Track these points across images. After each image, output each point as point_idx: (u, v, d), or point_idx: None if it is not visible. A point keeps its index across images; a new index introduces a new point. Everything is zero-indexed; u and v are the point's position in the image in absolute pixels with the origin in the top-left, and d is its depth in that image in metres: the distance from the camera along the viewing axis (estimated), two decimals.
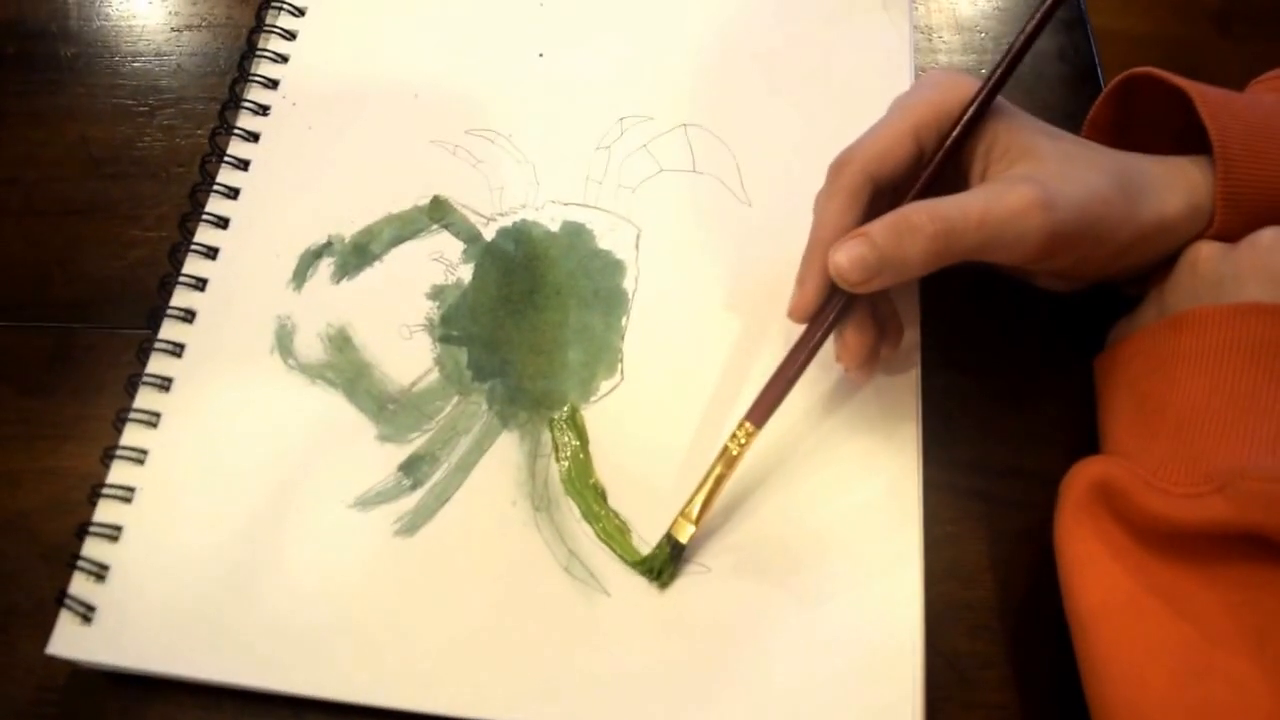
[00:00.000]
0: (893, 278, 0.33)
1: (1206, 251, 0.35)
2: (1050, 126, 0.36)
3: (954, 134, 0.34)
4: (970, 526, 0.38)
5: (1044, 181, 0.33)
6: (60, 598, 0.36)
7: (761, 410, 0.35)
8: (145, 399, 0.39)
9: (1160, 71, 0.37)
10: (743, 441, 0.35)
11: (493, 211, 0.43)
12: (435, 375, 0.39)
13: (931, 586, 0.36)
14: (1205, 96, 0.36)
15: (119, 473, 0.38)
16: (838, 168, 0.35)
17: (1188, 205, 0.35)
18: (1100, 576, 0.32)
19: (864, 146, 0.35)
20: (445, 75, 0.46)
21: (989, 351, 0.41)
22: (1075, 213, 0.32)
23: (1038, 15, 0.34)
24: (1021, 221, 0.32)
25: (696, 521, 0.35)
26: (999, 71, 0.34)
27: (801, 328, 0.36)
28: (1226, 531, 0.30)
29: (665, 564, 0.35)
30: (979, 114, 0.34)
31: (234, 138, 0.45)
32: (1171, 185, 0.35)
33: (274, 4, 0.49)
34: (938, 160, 0.34)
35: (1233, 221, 0.35)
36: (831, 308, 0.35)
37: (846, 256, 0.33)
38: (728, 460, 0.35)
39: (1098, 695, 0.31)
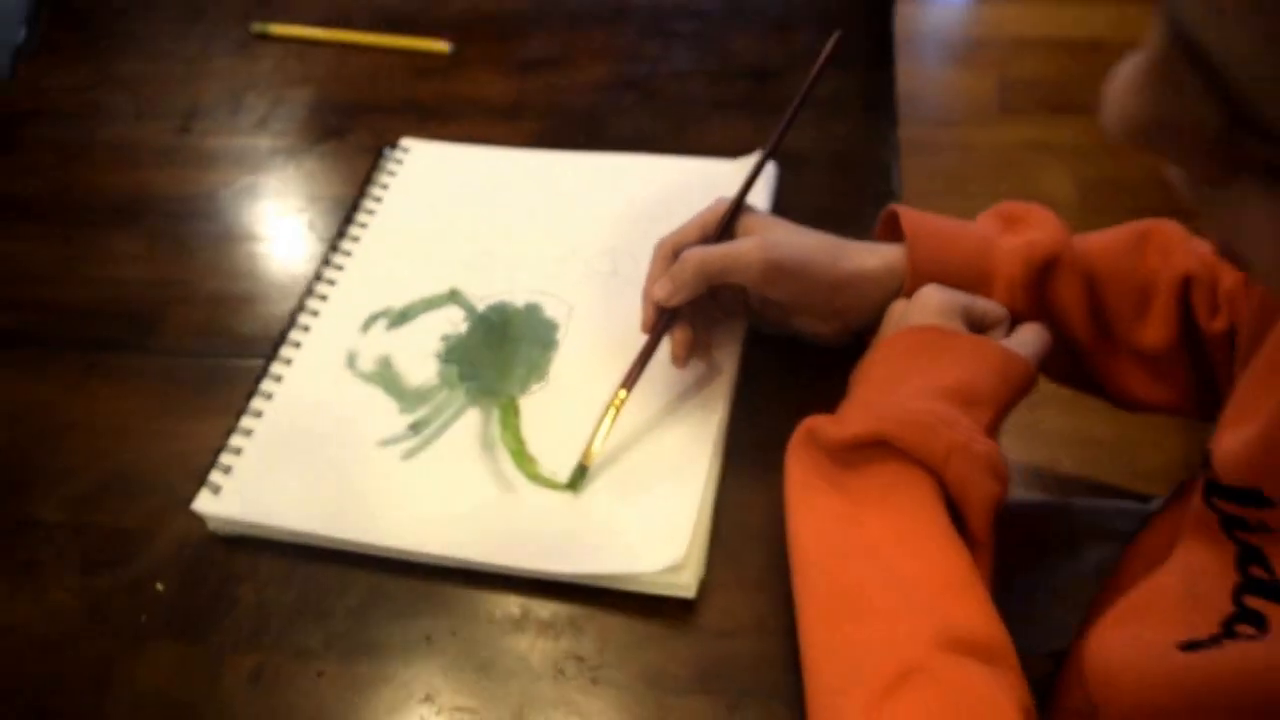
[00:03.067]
0: (685, 293, 0.61)
1: (897, 305, 0.63)
2: (785, 220, 0.65)
3: (723, 219, 0.64)
4: (758, 486, 0.63)
5: (767, 237, 0.62)
6: (202, 480, 0.64)
7: (629, 379, 0.63)
8: (266, 386, 0.69)
9: (897, 206, 0.66)
10: (622, 398, 0.63)
11: (485, 294, 0.73)
12: (436, 380, 0.68)
13: (728, 515, 0.61)
14: (909, 214, 0.64)
15: (245, 423, 0.67)
16: (657, 247, 0.65)
17: (884, 265, 0.63)
18: (798, 475, 0.58)
19: (672, 234, 0.65)
20: (474, 220, 0.78)
21: (787, 378, 0.67)
22: (786, 254, 0.61)
23: (766, 149, 0.65)
24: (748, 255, 0.61)
25: (586, 464, 0.62)
26: (744, 185, 0.64)
27: (645, 336, 0.64)
28: (867, 440, 0.55)
29: (577, 480, 0.62)
30: (735, 210, 0.64)
31: (337, 254, 0.77)
32: (872, 253, 0.64)
33: (370, 183, 0.82)
34: (713, 235, 0.64)
35: (916, 284, 0.63)
36: (661, 320, 0.63)
37: (659, 288, 0.62)
38: (612, 414, 0.62)
39: (791, 554, 0.56)
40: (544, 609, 0.59)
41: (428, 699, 0.57)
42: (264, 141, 0.90)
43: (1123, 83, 0.32)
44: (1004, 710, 0.47)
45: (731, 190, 0.66)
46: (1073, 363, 0.67)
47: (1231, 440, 0.47)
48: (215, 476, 0.65)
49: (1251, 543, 0.46)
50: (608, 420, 0.63)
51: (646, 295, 0.64)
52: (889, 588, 0.51)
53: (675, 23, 0.95)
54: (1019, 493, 0.83)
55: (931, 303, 0.61)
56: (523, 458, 0.64)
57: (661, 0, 0.98)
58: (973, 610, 0.50)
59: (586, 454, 0.62)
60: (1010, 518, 0.56)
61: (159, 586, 0.63)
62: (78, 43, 1.06)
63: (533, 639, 0.58)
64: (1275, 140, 0.28)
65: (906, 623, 0.49)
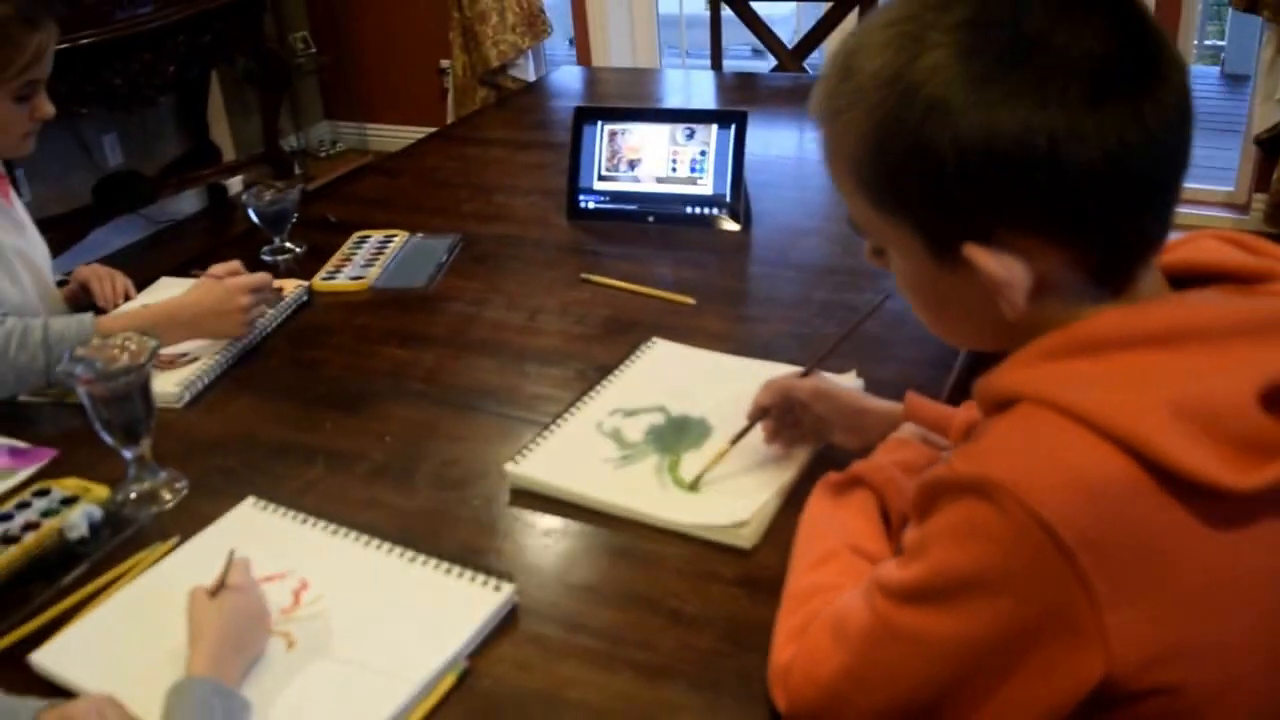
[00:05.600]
0: (772, 399, 1.21)
1: (891, 433, 1.19)
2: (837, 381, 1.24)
3: (804, 373, 1.24)
4: (801, 504, 1.18)
5: (820, 381, 1.21)
6: (511, 460, 1.26)
7: (734, 439, 1.22)
8: (549, 429, 1.32)
9: (911, 393, 1.23)
10: (726, 449, 1.22)
11: (678, 410, 1.34)
12: (641, 440, 1.29)
13: (783, 515, 1.17)
14: (913, 395, 1.22)
15: (536, 441, 1.29)
16: (763, 384, 1.24)
17: (890, 409, 1.20)
18: (814, 495, 1.13)
19: (773, 378, 1.24)
20: (680, 376, 1.40)
21: (830, 464, 1.23)
22: (828, 388, 1.20)
23: (842, 335, 1.25)
24: (806, 383, 1.20)
25: (703, 474, 1.21)
26: (814, 361, 1.24)
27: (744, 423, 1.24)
28: (852, 478, 1.11)
29: (696, 486, 1.20)
30: (809, 370, 1.24)
31: (601, 382, 1.41)
32: (882, 403, 1.21)
33: (631, 353, 1.47)
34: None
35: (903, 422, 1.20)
36: (758, 414, 1.23)
37: (760, 395, 1.22)
38: (717, 458, 1.21)
39: (798, 528, 1.11)
40: (667, 541, 1.15)
41: (613, 569, 1.13)
42: (575, 329, 1.59)
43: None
44: None
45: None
46: None
47: None
48: (517, 458, 1.27)
49: None
50: (716, 456, 1.22)
51: (754, 404, 1.24)
52: (838, 528, 1.05)
53: (838, 310, 1.59)
54: None
55: (907, 430, 1.17)
56: (677, 475, 1.23)
57: (832, 299, 1.63)
58: (875, 543, 1.03)
59: (706, 469, 1.21)
60: None
61: (475, 502, 1.24)
62: (476, 266, 1.82)
63: (657, 551, 1.14)
64: (864, 235, 0.85)
65: (839, 539, 1.03)
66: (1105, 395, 0.72)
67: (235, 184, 4.38)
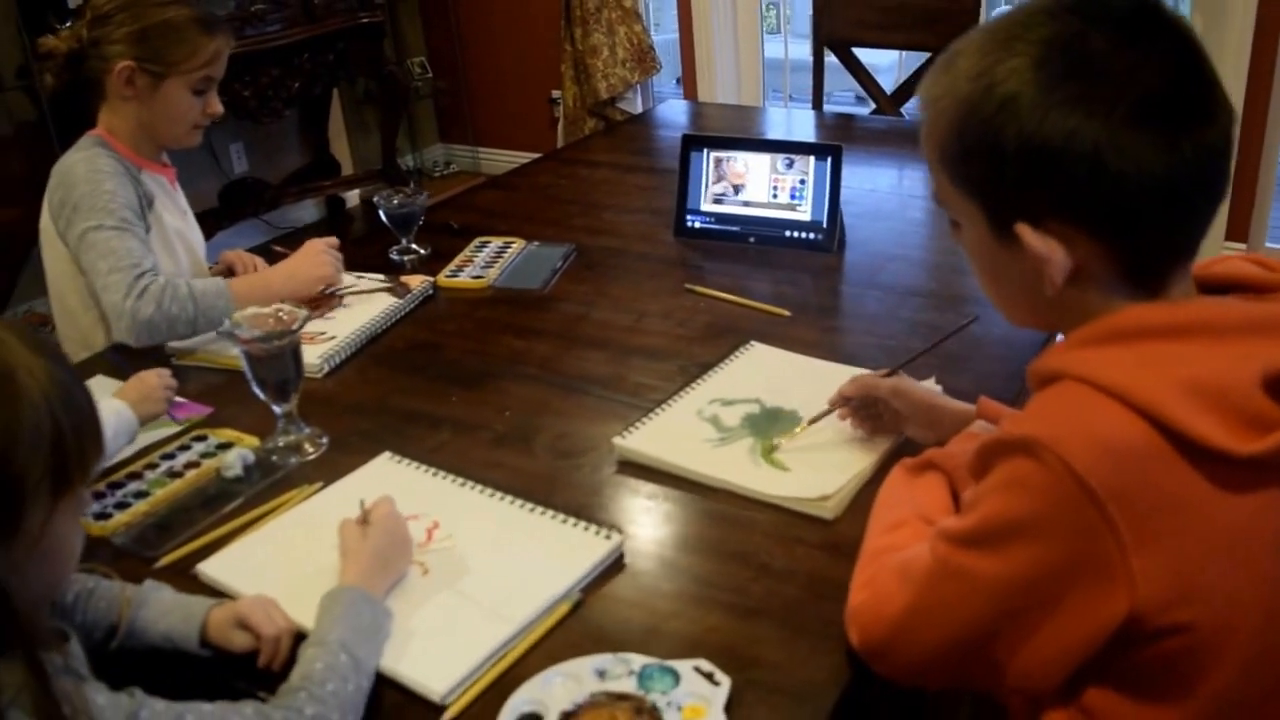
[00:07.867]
0: (853, 391, 1.36)
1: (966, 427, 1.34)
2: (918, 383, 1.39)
3: (885, 374, 1.39)
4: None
5: (900, 379, 1.36)
6: (619, 435, 1.42)
7: (812, 420, 1.38)
8: (654, 411, 1.48)
9: (984, 396, 1.38)
10: (805, 426, 1.38)
11: (772, 403, 1.50)
12: (739, 425, 1.45)
13: (865, 492, 1.31)
14: (985, 398, 1.36)
15: (640, 421, 1.46)
16: (850, 378, 1.39)
17: (963, 408, 1.34)
18: (892, 475, 1.27)
19: (859, 374, 1.39)
20: (774, 372, 1.56)
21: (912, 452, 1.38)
22: (905, 385, 1.35)
23: (929, 345, 1.40)
24: (885, 380, 1.35)
25: (781, 444, 1.37)
26: (896, 366, 1.39)
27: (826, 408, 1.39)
28: (925, 462, 1.25)
29: (773, 453, 1.36)
30: (893, 371, 1.39)
31: (702, 376, 1.57)
32: (955, 403, 1.35)
33: (731, 353, 1.63)
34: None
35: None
36: (839, 402, 1.38)
37: (844, 387, 1.37)
38: (799, 432, 1.38)
39: (876, 499, 1.25)
40: (758, 509, 1.30)
41: (708, 529, 1.29)
42: (678, 331, 1.76)
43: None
44: None
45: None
46: None
47: None
48: (625, 434, 1.43)
49: None
50: (798, 430, 1.39)
51: (837, 394, 1.39)
52: (910, 500, 1.19)
53: (920, 328, 1.73)
54: None
55: (977, 426, 1.31)
56: (770, 456, 1.38)
57: (915, 318, 1.77)
58: (943, 515, 1.17)
59: (786, 439, 1.39)
60: None
61: (585, 469, 1.40)
62: (587, 273, 2.00)
63: (748, 517, 1.29)
64: (943, 207, 1.00)
65: (910, 509, 1.17)
66: (1130, 373, 0.87)
67: (352, 196, 4.67)
